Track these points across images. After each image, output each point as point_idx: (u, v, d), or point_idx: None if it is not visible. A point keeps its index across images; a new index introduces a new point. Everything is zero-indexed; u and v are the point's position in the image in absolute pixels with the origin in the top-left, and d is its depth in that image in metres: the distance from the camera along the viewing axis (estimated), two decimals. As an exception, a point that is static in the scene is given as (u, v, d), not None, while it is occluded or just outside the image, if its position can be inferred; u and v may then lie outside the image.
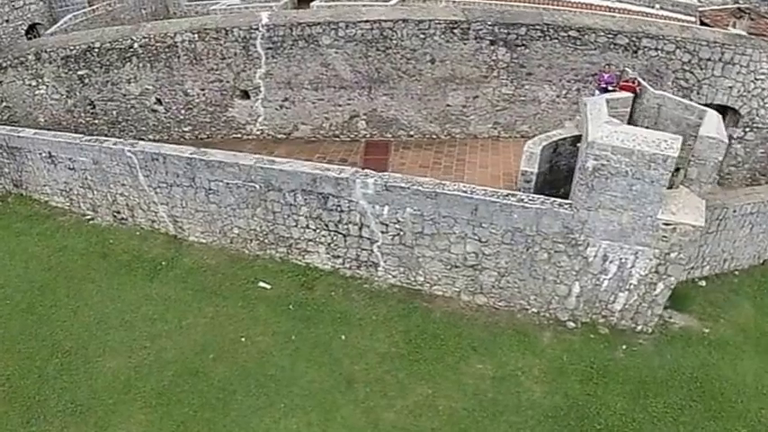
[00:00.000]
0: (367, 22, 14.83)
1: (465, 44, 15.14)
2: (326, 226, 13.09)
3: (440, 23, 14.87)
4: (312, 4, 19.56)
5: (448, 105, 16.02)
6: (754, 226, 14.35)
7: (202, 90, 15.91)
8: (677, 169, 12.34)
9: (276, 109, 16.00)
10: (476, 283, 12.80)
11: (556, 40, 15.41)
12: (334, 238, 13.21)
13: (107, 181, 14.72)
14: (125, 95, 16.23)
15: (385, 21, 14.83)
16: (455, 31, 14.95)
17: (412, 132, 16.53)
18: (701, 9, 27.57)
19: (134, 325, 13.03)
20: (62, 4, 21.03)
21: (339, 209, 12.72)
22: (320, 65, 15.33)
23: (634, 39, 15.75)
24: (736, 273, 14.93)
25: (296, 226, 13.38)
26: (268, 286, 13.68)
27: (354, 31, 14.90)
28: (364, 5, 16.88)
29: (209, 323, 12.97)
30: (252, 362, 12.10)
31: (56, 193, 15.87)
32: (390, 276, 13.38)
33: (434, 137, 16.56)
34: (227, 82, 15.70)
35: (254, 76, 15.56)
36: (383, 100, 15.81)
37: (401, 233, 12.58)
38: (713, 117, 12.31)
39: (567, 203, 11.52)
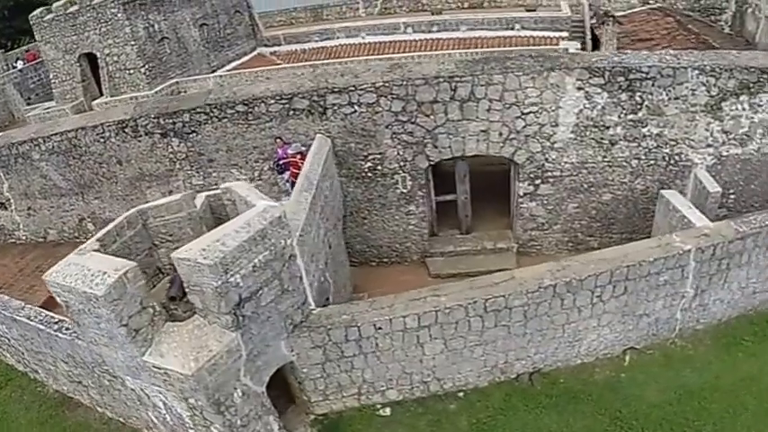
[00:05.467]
0: (57, 134, 15.57)
1: (140, 141, 15.00)
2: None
3: (111, 125, 14.98)
4: (94, 103, 20.51)
5: (148, 203, 15.76)
6: (429, 340, 10.45)
7: (-26, 204, 18.09)
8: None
9: (26, 217, 17.50)
10: (91, 398, 12.60)
11: (225, 119, 14.36)
12: (-6, 343, 14.12)
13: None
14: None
15: (69, 131, 15.43)
16: (126, 130, 14.92)
17: (134, 229, 16.53)
18: (592, 23, 22.39)
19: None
20: None
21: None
22: (40, 177, 16.46)
23: (316, 98, 13.89)
24: (461, 395, 11.40)
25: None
26: (-30, 388, 15.10)
27: (51, 144, 15.75)
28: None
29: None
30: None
31: None
32: (51, 380, 13.72)
33: (152, 231, 16.34)
34: (-13, 195, 17.69)
35: (3, 189, 17.23)
36: (96, 203, 16.32)
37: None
38: (251, 215, 9.24)
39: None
